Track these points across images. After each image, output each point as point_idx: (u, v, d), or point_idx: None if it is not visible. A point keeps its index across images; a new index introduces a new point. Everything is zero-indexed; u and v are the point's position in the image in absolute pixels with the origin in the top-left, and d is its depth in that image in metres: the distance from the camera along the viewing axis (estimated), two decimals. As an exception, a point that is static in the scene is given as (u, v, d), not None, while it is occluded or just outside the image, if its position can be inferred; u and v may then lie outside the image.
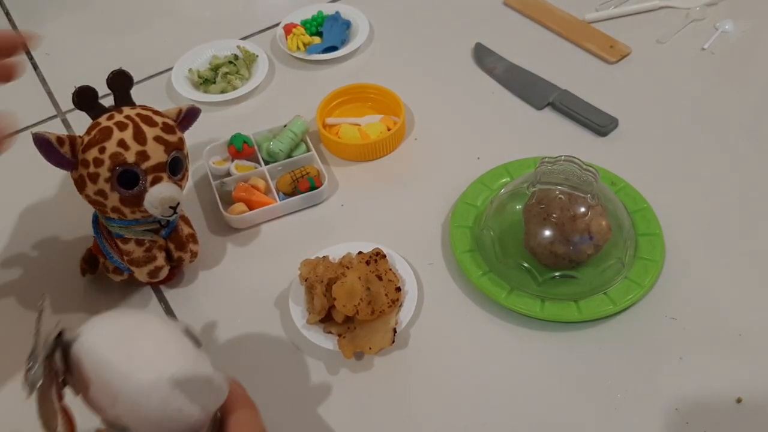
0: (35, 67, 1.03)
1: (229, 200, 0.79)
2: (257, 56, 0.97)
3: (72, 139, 0.61)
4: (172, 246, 0.69)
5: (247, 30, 1.05)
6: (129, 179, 0.61)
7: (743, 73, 0.90)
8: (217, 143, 0.83)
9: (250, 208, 0.77)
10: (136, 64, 1.00)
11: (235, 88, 0.93)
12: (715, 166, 0.79)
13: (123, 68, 0.63)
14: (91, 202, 0.63)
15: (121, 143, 0.60)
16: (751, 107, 0.85)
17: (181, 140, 0.64)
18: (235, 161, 0.81)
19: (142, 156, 0.60)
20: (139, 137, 0.60)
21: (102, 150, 0.59)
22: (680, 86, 0.89)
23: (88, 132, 0.62)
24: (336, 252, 0.71)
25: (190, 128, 0.68)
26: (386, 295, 0.65)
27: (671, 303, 0.67)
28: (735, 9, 0.98)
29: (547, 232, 0.65)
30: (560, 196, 0.65)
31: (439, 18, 1.03)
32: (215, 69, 0.96)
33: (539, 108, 0.88)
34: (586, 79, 0.90)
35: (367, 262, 0.68)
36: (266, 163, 0.82)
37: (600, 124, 0.83)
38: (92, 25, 1.10)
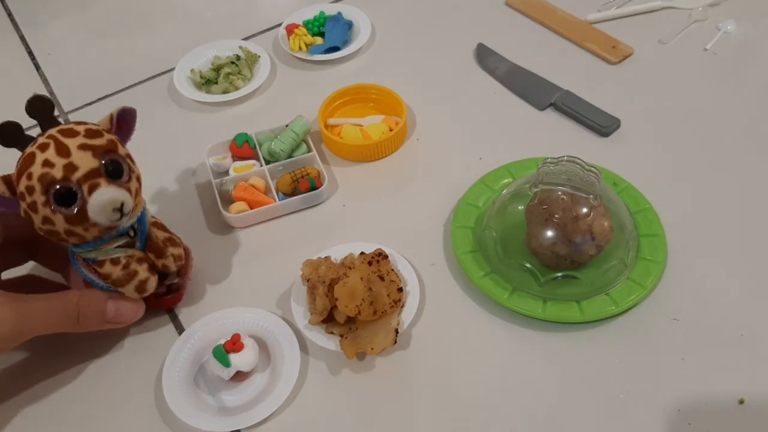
0: (37, 67, 1.03)
1: (229, 199, 0.79)
2: (259, 56, 0.97)
3: (6, 179, 0.58)
4: (152, 256, 0.65)
5: (249, 30, 1.05)
6: (67, 197, 0.57)
7: (745, 74, 0.90)
8: (218, 143, 0.83)
9: (250, 208, 0.77)
10: (137, 64, 1.01)
11: (237, 89, 0.93)
12: (718, 166, 0.79)
13: (38, 93, 0.60)
14: (46, 234, 0.59)
15: (46, 163, 0.56)
16: (753, 108, 0.85)
17: (113, 141, 0.60)
18: (235, 161, 0.81)
19: (70, 168, 0.56)
20: (62, 151, 0.57)
21: (29, 176, 0.56)
22: (682, 87, 0.89)
23: (16, 165, 0.58)
24: (338, 252, 0.71)
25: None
26: (388, 295, 0.65)
27: (673, 304, 0.67)
28: (737, 9, 0.98)
29: (549, 233, 0.65)
30: (562, 196, 0.65)
31: (441, 18, 1.03)
32: (217, 69, 0.96)
33: (541, 108, 0.88)
34: (588, 80, 0.90)
35: (369, 263, 0.68)
36: (267, 162, 0.82)
37: (602, 125, 0.83)
38: (94, 25, 1.10)
